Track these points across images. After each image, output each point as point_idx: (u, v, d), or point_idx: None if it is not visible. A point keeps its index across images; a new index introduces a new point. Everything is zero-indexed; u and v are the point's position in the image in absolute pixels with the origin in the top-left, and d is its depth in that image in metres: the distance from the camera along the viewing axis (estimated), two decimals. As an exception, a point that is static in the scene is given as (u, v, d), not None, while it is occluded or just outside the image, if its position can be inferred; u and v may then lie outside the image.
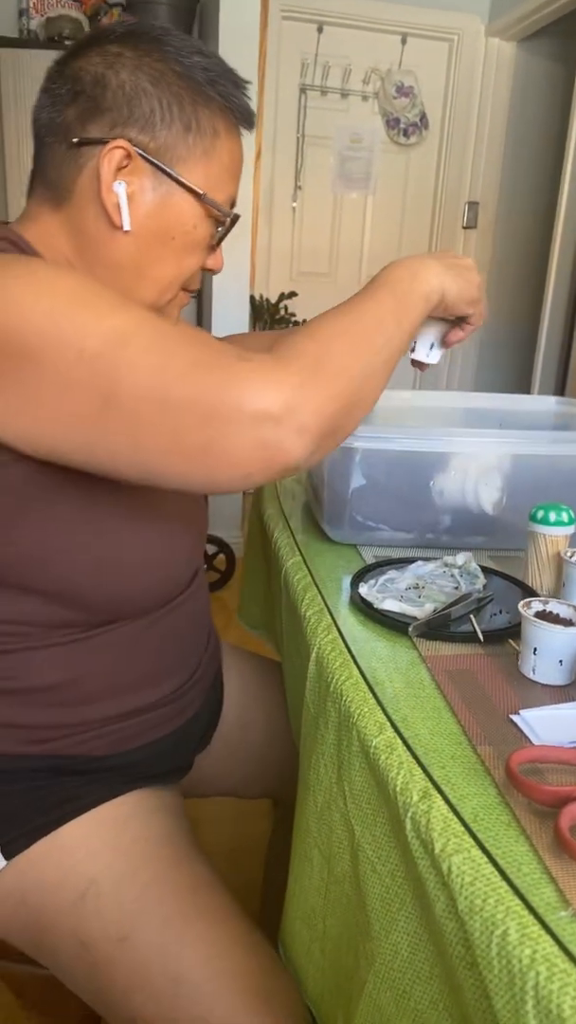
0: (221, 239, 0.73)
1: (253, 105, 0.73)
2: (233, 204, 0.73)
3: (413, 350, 0.80)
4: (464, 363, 3.69)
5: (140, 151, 0.65)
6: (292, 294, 3.24)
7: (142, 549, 0.70)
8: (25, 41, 2.65)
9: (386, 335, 0.63)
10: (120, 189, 0.65)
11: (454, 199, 3.50)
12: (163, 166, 0.66)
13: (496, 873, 0.45)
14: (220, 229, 0.72)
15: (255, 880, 1.20)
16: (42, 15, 2.65)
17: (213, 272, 0.76)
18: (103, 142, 0.64)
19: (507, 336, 3.68)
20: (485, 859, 0.46)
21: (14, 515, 0.62)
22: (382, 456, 0.90)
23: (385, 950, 0.55)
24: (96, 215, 0.66)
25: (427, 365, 0.81)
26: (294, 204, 3.38)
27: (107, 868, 0.70)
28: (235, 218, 0.72)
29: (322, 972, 0.66)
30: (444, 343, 0.80)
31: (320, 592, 0.81)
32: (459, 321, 0.77)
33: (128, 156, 0.65)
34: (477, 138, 3.43)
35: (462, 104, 3.38)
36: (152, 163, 0.66)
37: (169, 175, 0.66)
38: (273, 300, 3.24)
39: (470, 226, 3.53)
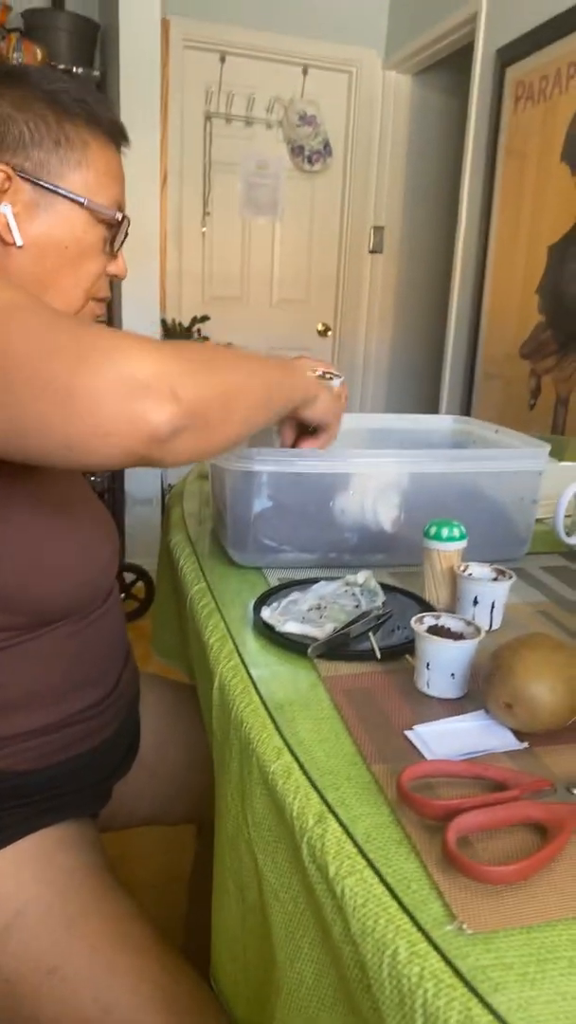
0: (120, 244, 0.77)
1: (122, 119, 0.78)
2: (121, 208, 0.76)
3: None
4: (375, 383, 3.78)
5: (17, 172, 0.69)
6: (205, 318, 3.25)
7: (63, 553, 0.72)
8: None
9: (269, 376, 0.70)
10: (6, 210, 0.69)
11: (359, 224, 3.59)
12: (41, 181, 0.70)
13: (387, 892, 0.45)
14: (113, 233, 0.76)
15: (178, 912, 1.18)
16: None
17: (118, 278, 0.80)
18: None
19: (415, 357, 3.79)
20: (376, 879, 0.46)
21: None
22: (284, 478, 0.91)
23: (291, 979, 0.54)
24: None
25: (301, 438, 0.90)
26: (204, 229, 3.39)
27: (34, 899, 0.69)
28: (121, 219, 0.76)
29: (247, 1001, 0.65)
30: (297, 447, 0.89)
31: (223, 618, 0.80)
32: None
33: (8, 179, 0.69)
34: (379, 165, 3.54)
35: (363, 133, 3.49)
36: (31, 180, 0.70)
37: (48, 188, 0.71)
38: (186, 324, 3.24)
39: (376, 250, 3.63)
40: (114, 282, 0.82)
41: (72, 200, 0.71)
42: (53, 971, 0.67)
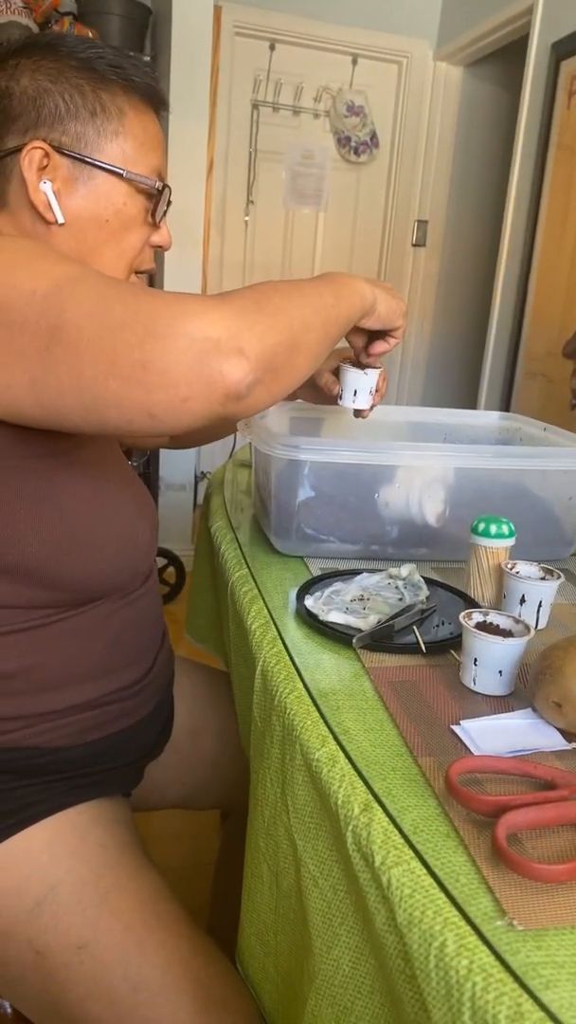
0: (162, 214, 0.76)
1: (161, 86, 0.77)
2: (162, 177, 0.75)
3: (341, 398, 0.90)
4: (412, 379, 3.75)
5: (55, 147, 0.69)
6: (244, 307, 3.25)
7: (105, 530, 0.72)
8: (-27, 46, 2.61)
9: (324, 304, 0.66)
10: (46, 187, 0.68)
11: (404, 217, 3.56)
12: (79, 155, 0.69)
13: (435, 885, 0.45)
14: (154, 202, 0.74)
15: (203, 896, 1.19)
16: (-9, 21, 2.62)
17: (162, 248, 0.78)
18: (20, 148, 0.68)
19: (454, 352, 3.75)
20: (424, 871, 0.46)
21: None
22: (329, 468, 0.90)
23: (326, 966, 0.54)
24: (32, 217, 0.70)
25: (362, 411, 0.91)
26: (247, 217, 3.39)
27: (68, 874, 0.70)
28: (163, 188, 0.74)
29: (276, 987, 0.66)
30: (369, 353, 0.87)
31: (266, 604, 0.81)
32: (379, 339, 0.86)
33: (46, 155, 0.68)
34: (426, 158, 3.50)
35: (411, 124, 3.45)
36: (69, 155, 0.69)
37: (86, 161, 0.70)
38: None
39: (419, 244, 3.60)
40: (158, 253, 0.81)
41: (111, 172, 0.70)
42: (84, 947, 0.68)
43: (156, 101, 0.75)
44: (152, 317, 0.53)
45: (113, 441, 0.82)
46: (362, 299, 0.74)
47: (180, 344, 0.52)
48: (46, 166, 0.68)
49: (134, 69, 0.72)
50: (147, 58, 2.74)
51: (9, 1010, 0.79)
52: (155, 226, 0.77)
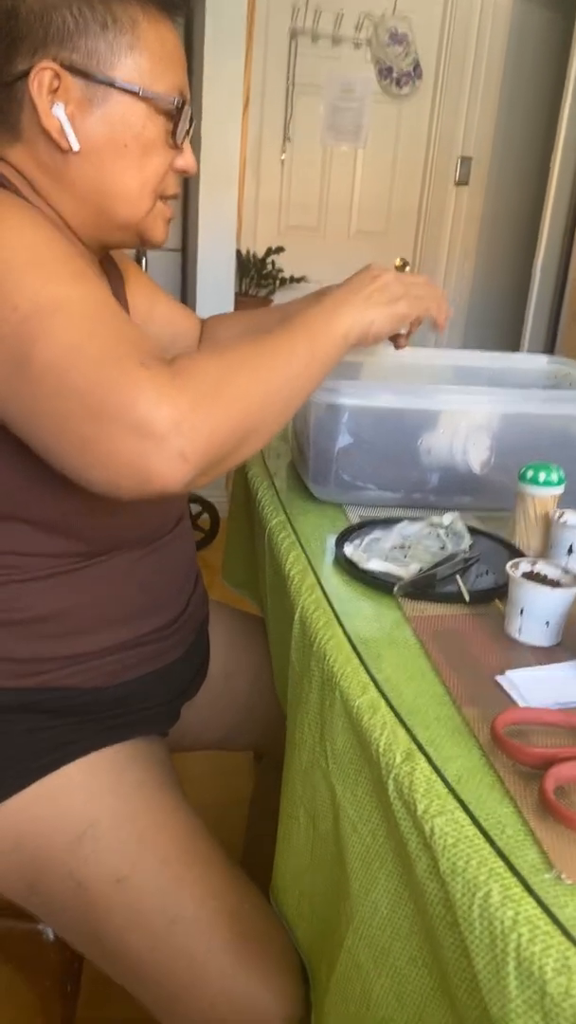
0: (185, 134, 0.72)
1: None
2: (183, 94, 0.70)
3: None
4: (453, 321, 3.64)
5: (66, 67, 0.64)
6: (280, 249, 3.17)
7: None
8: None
9: (294, 370, 0.63)
10: (59, 111, 0.64)
11: (446, 154, 3.41)
12: (92, 72, 0.65)
13: (479, 835, 0.44)
14: (175, 123, 0.70)
15: (236, 835, 1.21)
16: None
17: (186, 173, 0.74)
18: (29, 71, 0.63)
19: (497, 294, 3.63)
20: (468, 820, 0.45)
21: (8, 447, 0.62)
22: (369, 413, 0.88)
23: (364, 908, 0.54)
24: (47, 145, 0.66)
25: (399, 338, 0.84)
26: (283, 156, 3.28)
27: (107, 810, 0.71)
28: (182, 105, 0.69)
29: (311, 925, 0.67)
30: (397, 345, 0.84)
31: (304, 551, 0.79)
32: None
33: (56, 76, 0.64)
34: (471, 90, 3.33)
35: (457, 54, 3.28)
36: (81, 74, 0.64)
37: (100, 80, 0.65)
38: (260, 255, 3.16)
39: (462, 182, 3.45)
40: (184, 177, 0.76)
41: (127, 91, 0.66)
42: (122, 880, 0.69)
43: (172, 8, 0.69)
44: (106, 395, 0.52)
45: None
46: (344, 339, 0.69)
47: (125, 435, 0.52)
48: (57, 88, 0.64)
49: None
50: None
51: (52, 937, 0.82)
52: (178, 148, 0.72)
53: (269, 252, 3.15)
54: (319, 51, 3.19)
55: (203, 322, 1.03)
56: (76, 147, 0.66)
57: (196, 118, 2.46)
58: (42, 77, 0.63)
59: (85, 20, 0.64)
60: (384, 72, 3.26)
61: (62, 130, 0.65)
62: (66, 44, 0.64)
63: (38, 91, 0.63)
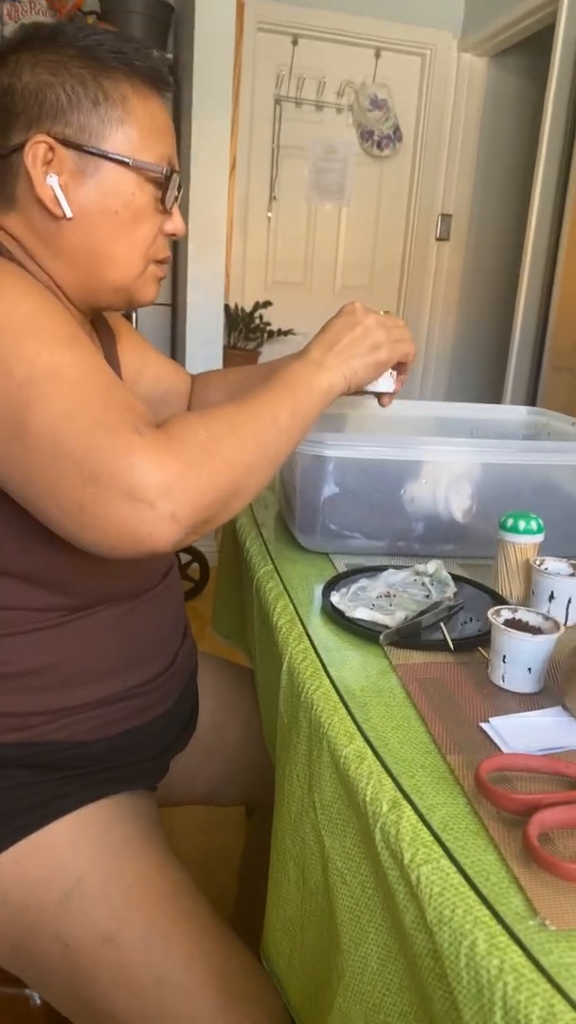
0: (174, 200, 0.75)
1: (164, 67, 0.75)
2: (171, 163, 0.73)
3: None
4: (436, 373, 3.72)
5: (59, 140, 0.68)
6: (267, 303, 3.25)
7: None
8: (-2, 47, 2.63)
9: (279, 430, 0.66)
10: (52, 181, 0.68)
11: (427, 211, 3.53)
12: (84, 145, 0.68)
13: (465, 883, 0.44)
14: (163, 190, 0.73)
15: (226, 891, 1.19)
16: (16, 21, 2.64)
17: (175, 236, 0.77)
18: (25, 144, 0.67)
19: (478, 348, 3.72)
20: (454, 869, 0.45)
21: None
22: (354, 464, 0.90)
23: (354, 963, 0.54)
24: (41, 212, 0.70)
25: (383, 396, 0.86)
26: (269, 214, 3.38)
27: (93, 867, 0.70)
28: (170, 174, 0.73)
29: (302, 983, 0.66)
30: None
31: (292, 600, 0.80)
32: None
33: (51, 148, 0.68)
34: (450, 151, 3.47)
35: (435, 117, 3.42)
36: (74, 146, 0.68)
37: (92, 152, 0.69)
38: (248, 309, 3.24)
39: (443, 238, 3.56)
40: (173, 240, 0.80)
41: (118, 162, 0.69)
42: (109, 939, 0.68)
43: (161, 84, 0.73)
44: (101, 461, 0.54)
45: None
46: (327, 394, 0.73)
47: (119, 500, 0.55)
48: (51, 160, 0.68)
49: (135, 53, 0.71)
50: (169, 55, 2.75)
51: (39, 1001, 0.80)
52: (167, 213, 0.76)
53: (257, 306, 3.23)
54: (303, 116, 3.32)
55: (193, 378, 1.06)
56: (69, 214, 0.69)
57: (185, 179, 2.55)
58: (36, 150, 0.67)
59: (78, 97, 0.68)
60: (365, 135, 3.39)
61: (56, 199, 0.68)
62: (60, 119, 0.68)
63: (33, 163, 0.67)
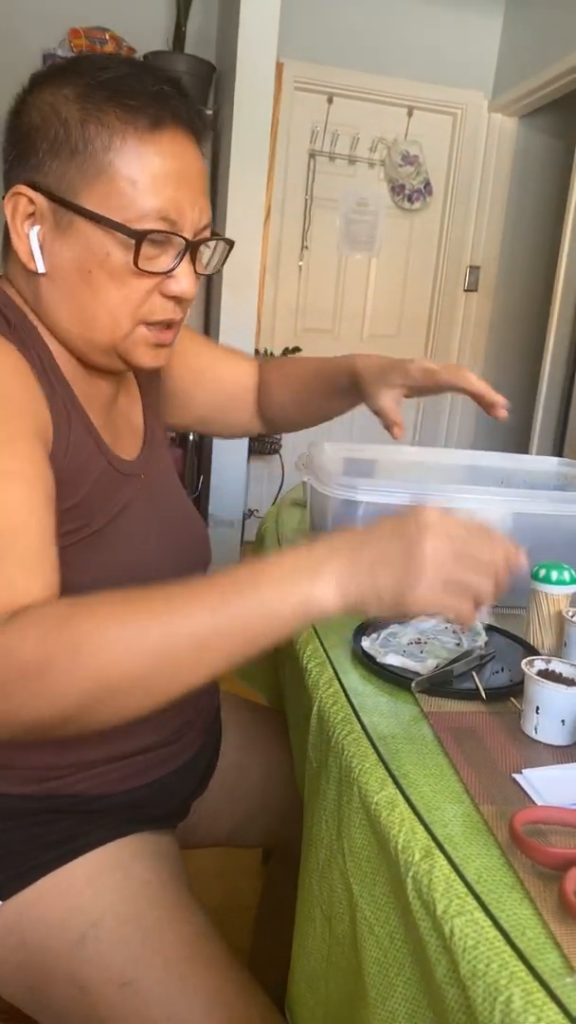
0: (178, 262, 0.67)
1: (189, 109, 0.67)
2: (169, 217, 0.65)
3: None
4: (463, 422, 3.74)
5: (41, 190, 0.64)
6: (296, 349, 3.31)
7: (155, 574, 0.69)
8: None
9: (200, 662, 0.55)
10: (33, 233, 0.65)
11: (456, 263, 3.60)
12: (60, 197, 0.63)
13: (500, 937, 0.44)
14: (135, 252, 0.64)
15: (242, 938, 1.17)
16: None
17: (180, 299, 0.69)
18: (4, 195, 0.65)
19: (505, 396, 3.73)
20: (489, 922, 0.45)
21: None
22: (385, 510, 0.91)
23: (381, 1017, 0.53)
24: (23, 265, 0.67)
25: (396, 426, 0.88)
26: (300, 263, 3.47)
27: (111, 910, 0.69)
28: (142, 236, 0.63)
29: None
30: None
31: (322, 644, 0.81)
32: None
33: (30, 201, 0.64)
34: (479, 206, 3.55)
35: (465, 174, 3.51)
36: (50, 197, 0.64)
37: (66, 206, 0.63)
38: (278, 354, 3.30)
39: (471, 289, 3.62)
40: (184, 300, 0.70)
41: (91, 219, 0.63)
42: (127, 984, 0.66)
43: (163, 122, 0.64)
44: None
45: (163, 490, 0.82)
46: (302, 616, 0.54)
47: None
48: (33, 212, 0.64)
49: (140, 91, 0.63)
50: (209, 112, 2.85)
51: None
52: (167, 275, 0.67)
53: (286, 352, 3.29)
54: (336, 169, 3.42)
55: (260, 368, 1.02)
56: (42, 269, 0.65)
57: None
58: (16, 201, 0.64)
59: (59, 144, 0.63)
60: (396, 189, 3.48)
61: (30, 253, 0.65)
62: (39, 168, 0.64)
63: (12, 213, 0.64)
